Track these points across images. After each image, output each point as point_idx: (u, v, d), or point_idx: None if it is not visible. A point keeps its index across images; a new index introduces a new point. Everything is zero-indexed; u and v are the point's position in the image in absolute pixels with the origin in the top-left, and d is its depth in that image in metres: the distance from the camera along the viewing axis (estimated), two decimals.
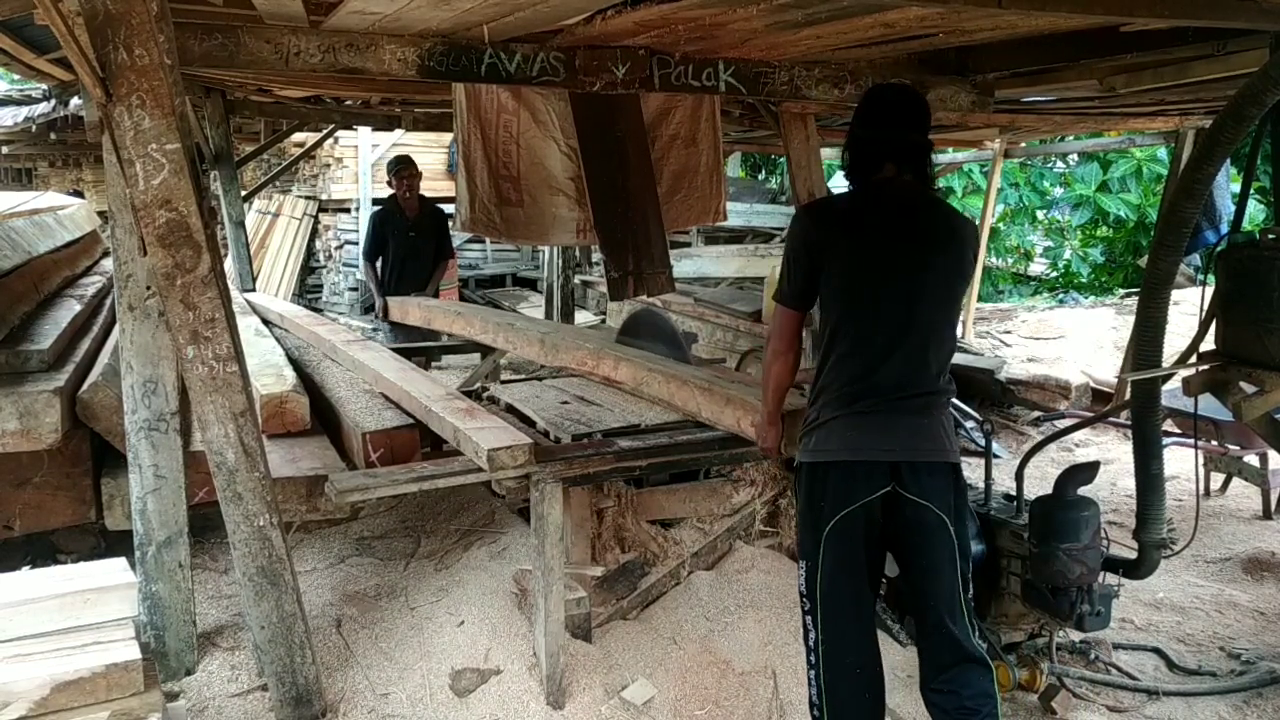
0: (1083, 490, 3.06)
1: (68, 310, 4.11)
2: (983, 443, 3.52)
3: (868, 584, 2.58)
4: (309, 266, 11.84)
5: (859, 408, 2.50)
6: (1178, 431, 4.79)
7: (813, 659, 2.57)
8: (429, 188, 10.46)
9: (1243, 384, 3.07)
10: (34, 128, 8.14)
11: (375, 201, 11.36)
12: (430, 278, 6.47)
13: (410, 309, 5.88)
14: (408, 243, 6.40)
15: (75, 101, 5.74)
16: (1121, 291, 11.85)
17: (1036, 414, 6.24)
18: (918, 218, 2.57)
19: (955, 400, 2.72)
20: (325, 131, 8.92)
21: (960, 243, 2.58)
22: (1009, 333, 9.27)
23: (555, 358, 4.23)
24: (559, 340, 4.27)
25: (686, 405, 3.35)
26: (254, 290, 6.65)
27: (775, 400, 2.76)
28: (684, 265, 9.29)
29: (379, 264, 6.48)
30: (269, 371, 4.17)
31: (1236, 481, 5.24)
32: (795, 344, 2.69)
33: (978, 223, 10.74)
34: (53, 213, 5.51)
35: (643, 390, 3.63)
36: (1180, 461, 5.12)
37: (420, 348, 5.85)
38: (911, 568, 2.58)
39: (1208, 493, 5.36)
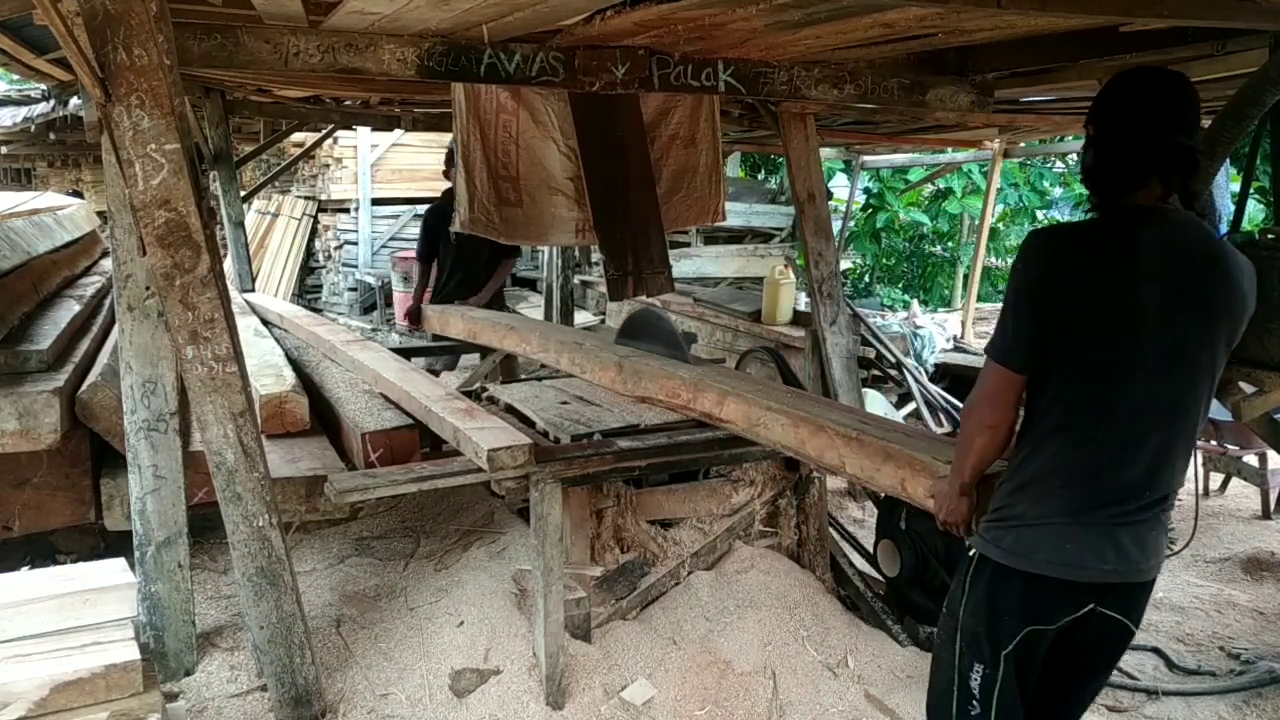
0: None
1: (67, 310, 4.11)
2: None
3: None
4: (308, 267, 11.86)
5: (1084, 517, 2.00)
6: None
7: None
8: (429, 188, 10.37)
9: (1243, 384, 3.07)
10: (33, 128, 8.14)
11: (376, 201, 11.38)
12: (487, 283, 5.70)
13: (451, 320, 5.17)
14: (465, 242, 5.33)
15: (74, 101, 5.73)
16: None
17: None
18: (1196, 266, 1.94)
19: (951, 399, 2.60)
20: (325, 131, 8.91)
21: (1243, 301, 1.99)
22: None
23: (637, 386, 3.62)
24: (641, 367, 3.61)
25: (823, 456, 2.73)
26: (253, 290, 6.63)
27: (973, 475, 2.18)
28: (683, 265, 9.28)
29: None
30: (268, 372, 4.17)
31: (1236, 481, 5.24)
32: (1012, 415, 2.07)
33: (977, 223, 10.76)
34: (52, 213, 5.50)
35: (758, 433, 3.02)
36: None
37: (421, 348, 5.77)
38: (1065, 667, 2.21)
39: (1207, 493, 5.37)
